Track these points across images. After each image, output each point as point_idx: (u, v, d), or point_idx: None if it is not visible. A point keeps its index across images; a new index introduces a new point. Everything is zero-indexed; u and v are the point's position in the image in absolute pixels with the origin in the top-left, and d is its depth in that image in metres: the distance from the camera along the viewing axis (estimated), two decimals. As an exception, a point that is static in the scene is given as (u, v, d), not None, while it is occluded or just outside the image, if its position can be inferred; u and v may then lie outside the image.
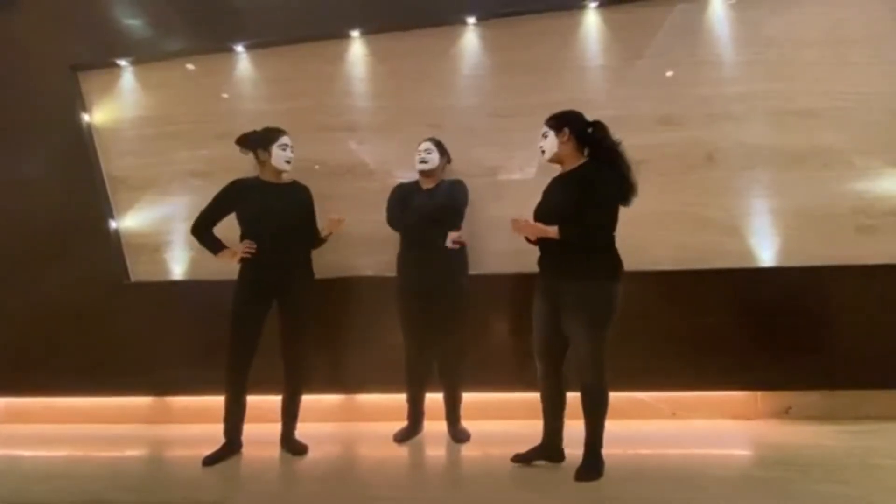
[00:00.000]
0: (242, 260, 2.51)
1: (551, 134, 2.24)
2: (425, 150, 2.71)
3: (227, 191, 2.58)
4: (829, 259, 2.75)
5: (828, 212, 2.81)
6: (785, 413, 2.79)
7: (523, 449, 2.27)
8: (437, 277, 2.60)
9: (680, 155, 2.92)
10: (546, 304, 2.17)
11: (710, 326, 2.76)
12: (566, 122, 2.23)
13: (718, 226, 2.88)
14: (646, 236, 2.90)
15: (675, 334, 2.74)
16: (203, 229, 2.58)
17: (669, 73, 2.96)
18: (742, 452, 2.44)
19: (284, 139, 2.56)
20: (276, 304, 2.55)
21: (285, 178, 2.64)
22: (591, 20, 3.01)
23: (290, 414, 2.56)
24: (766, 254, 2.84)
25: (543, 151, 2.27)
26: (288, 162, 2.57)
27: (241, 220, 2.56)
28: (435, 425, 2.73)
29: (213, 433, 2.48)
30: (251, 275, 2.51)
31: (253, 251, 2.47)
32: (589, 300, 2.04)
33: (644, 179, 2.92)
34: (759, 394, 2.82)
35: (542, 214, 2.18)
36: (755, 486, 1.93)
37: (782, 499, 1.78)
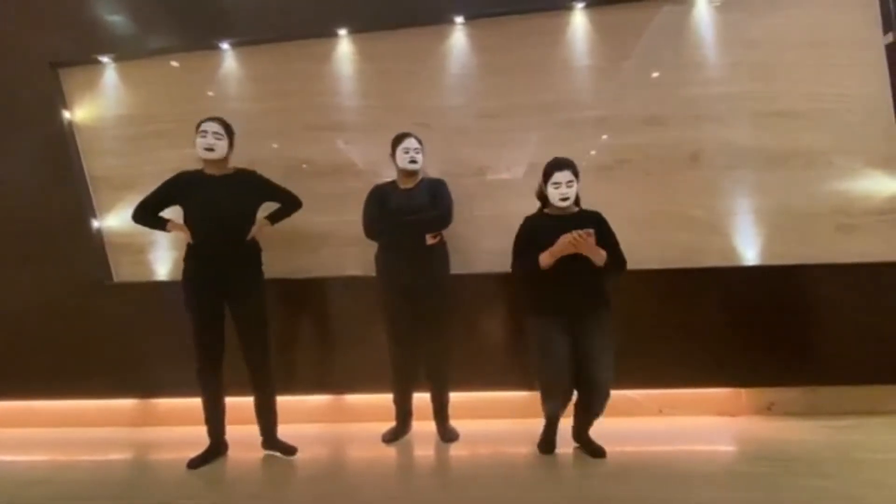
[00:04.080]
0: (188, 249, 2.46)
1: (575, 181, 2.34)
2: (414, 149, 2.65)
3: (169, 181, 2.53)
4: (810, 258, 2.81)
5: (809, 211, 2.86)
6: (768, 409, 2.84)
7: (512, 448, 2.29)
8: (419, 277, 2.57)
9: (665, 155, 2.96)
10: (567, 336, 2.26)
11: (695, 324, 2.80)
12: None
13: (703, 225, 2.92)
14: (631, 235, 2.91)
15: (661, 332, 2.77)
16: (142, 215, 2.53)
17: (655, 74, 2.99)
18: (727, 448, 2.47)
19: (204, 125, 2.47)
20: (227, 306, 2.48)
21: (229, 166, 2.55)
22: (579, 21, 3.03)
23: (266, 417, 2.51)
24: (750, 252, 2.88)
25: (567, 199, 2.33)
26: (208, 149, 2.45)
27: (185, 215, 2.50)
28: (423, 425, 2.73)
29: (200, 435, 2.45)
30: (193, 270, 2.45)
31: (191, 241, 2.43)
32: (608, 320, 2.31)
33: (630, 179, 2.98)
34: (743, 390, 2.86)
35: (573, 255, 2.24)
36: (740, 481, 1.96)
37: (766, 493, 1.81)
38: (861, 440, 2.35)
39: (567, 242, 2.17)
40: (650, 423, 2.72)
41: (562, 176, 2.30)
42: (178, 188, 2.50)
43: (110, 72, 3.26)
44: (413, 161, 2.63)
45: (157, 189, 2.53)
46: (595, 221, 2.33)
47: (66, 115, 3.24)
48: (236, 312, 2.47)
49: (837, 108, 2.88)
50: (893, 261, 2.77)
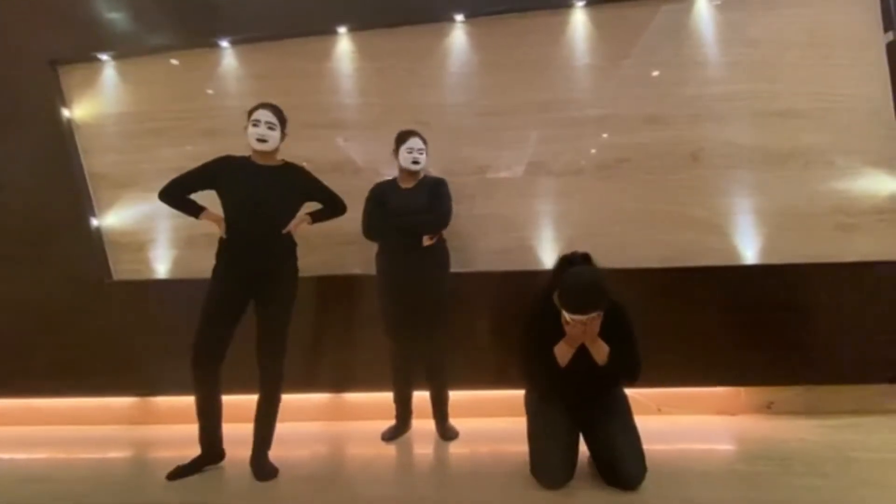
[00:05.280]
0: (220, 244, 2.29)
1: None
2: (418, 149, 2.62)
3: (213, 163, 2.34)
4: (810, 257, 2.81)
5: (809, 211, 2.86)
6: (767, 408, 2.84)
7: (512, 446, 2.29)
8: (417, 277, 2.56)
9: (665, 154, 2.96)
10: (570, 422, 2.01)
11: (694, 323, 2.80)
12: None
13: (703, 224, 2.92)
14: (631, 235, 2.93)
15: (660, 331, 2.76)
16: (175, 194, 2.33)
17: (655, 73, 2.99)
18: (726, 447, 2.48)
19: (257, 114, 2.31)
20: (255, 303, 2.31)
21: (278, 158, 2.40)
22: (579, 19, 3.03)
23: (264, 426, 2.28)
24: (750, 252, 2.88)
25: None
26: (260, 140, 2.29)
27: (222, 203, 2.33)
28: (423, 423, 2.73)
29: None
30: (225, 263, 2.28)
31: (226, 236, 2.26)
32: (624, 398, 2.11)
33: (630, 178, 2.98)
34: (742, 389, 2.86)
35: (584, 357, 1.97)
36: (738, 480, 1.97)
37: (764, 492, 1.82)
38: (859, 439, 2.35)
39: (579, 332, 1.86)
40: (649, 421, 2.71)
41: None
42: (221, 172, 2.31)
43: (110, 70, 3.26)
44: (416, 161, 2.61)
45: (197, 168, 2.34)
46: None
47: (66, 113, 3.23)
48: (264, 309, 2.29)
49: (837, 108, 2.88)
50: (892, 260, 2.77)
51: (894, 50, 2.87)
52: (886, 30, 2.89)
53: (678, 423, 2.75)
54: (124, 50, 3.20)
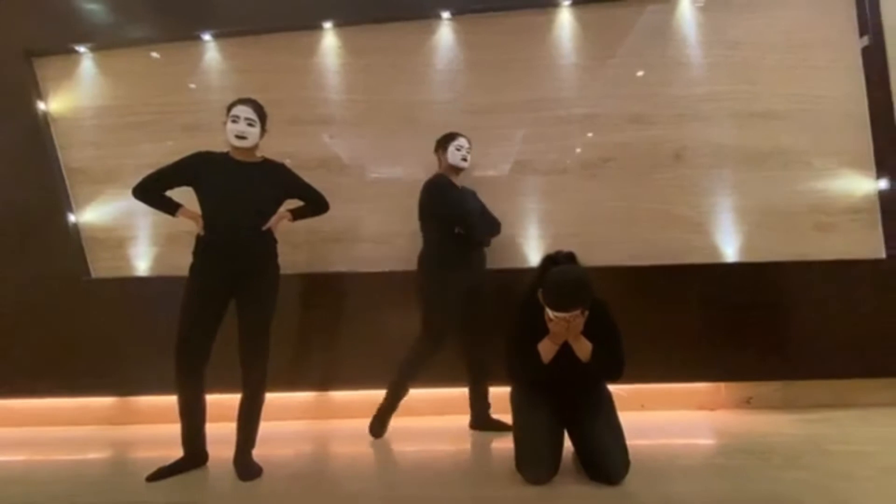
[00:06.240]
0: (198, 241, 2.23)
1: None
2: (466, 148, 2.68)
3: (190, 159, 2.28)
4: (789, 255, 2.87)
5: (788, 210, 2.93)
6: (746, 403, 2.90)
7: (496, 443, 2.29)
8: (484, 274, 2.68)
9: (649, 153, 2.99)
10: (555, 418, 2.02)
11: (677, 320, 2.84)
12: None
13: (685, 223, 2.97)
14: (615, 233, 2.96)
15: (643, 328, 2.79)
16: (150, 191, 2.27)
17: (640, 73, 3.02)
18: (707, 441, 2.52)
19: (235, 110, 2.26)
20: (236, 302, 2.25)
21: (258, 155, 2.35)
22: (565, 18, 3.05)
23: (248, 425, 2.24)
24: (730, 250, 2.94)
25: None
26: (239, 136, 2.23)
27: (200, 200, 2.27)
28: (407, 421, 2.73)
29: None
30: (203, 262, 2.22)
31: (204, 233, 2.21)
32: (608, 395, 2.11)
33: (614, 177, 3.01)
34: (722, 385, 2.92)
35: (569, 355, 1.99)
36: (718, 474, 2.01)
37: (742, 485, 1.86)
38: (833, 432, 2.42)
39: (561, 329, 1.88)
40: (633, 417, 2.75)
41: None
42: (198, 168, 2.25)
43: (87, 62, 3.18)
44: (464, 159, 2.67)
45: (173, 164, 2.28)
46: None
47: (42, 106, 3.15)
48: (245, 307, 2.24)
49: (815, 110, 2.95)
50: (867, 258, 2.85)
51: (869, 54, 2.94)
52: (862, 34, 2.97)
53: (661, 418, 2.79)
54: (103, 42, 3.13)
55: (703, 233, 2.95)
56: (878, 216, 2.90)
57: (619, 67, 3.03)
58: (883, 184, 2.90)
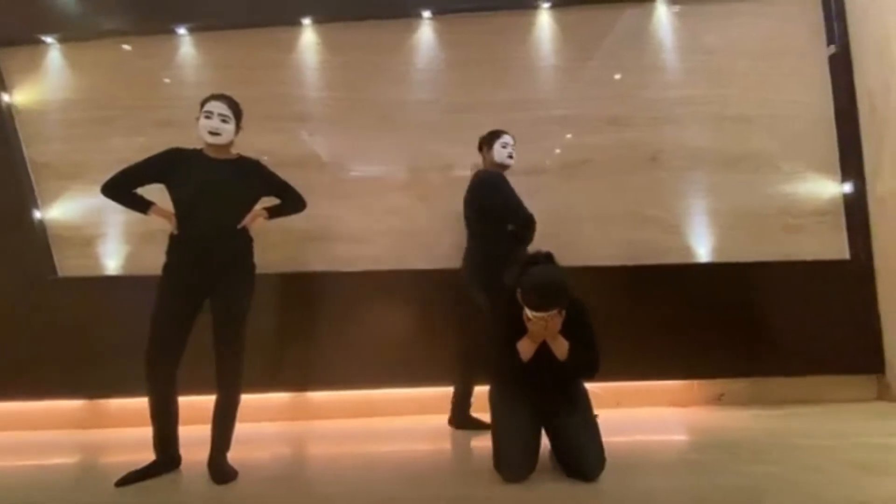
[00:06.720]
0: (172, 240, 2.18)
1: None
2: (512, 145, 2.65)
3: (162, 155, 2.22)
4: (759, 256, 2.96)
5: (758, 212, 3.01)
6: (718, 399, 2.98)
7: (475, 441, 2.30)
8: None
9: (626, 155, 3.05)
10: (533, 416, 2.01)
11: (651, 320, 2.90)
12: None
13: (661, 224, 3.03)
14: (593, 233, 3.01)
15: (619, 327, 2.84)
16: (120, 188, 2.20)
17: (618, 76, 3.07)
18: (680, 438, 2.58)
19: (209, 105, 2.21)
20: (210, 301, 2.20)
21: (233, 152, 2.29)
22: (545, 20, 3.07)
23: (223, 426, 2.19)
24: (703, 250, 3.01)
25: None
26: (213, 133, 2.18)
27: (172, 198, 2.21)
28: (387, 421, 2.72)
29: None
30: (177, 261, 2.17)
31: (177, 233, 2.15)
32: (585, 395, 2.11)
33: (592, 178, 3.05)
34: (695, 382, 2.99)
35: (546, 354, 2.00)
36: (691, 469, 2.05)
37: (714, 479, 1.90)
38: (799, 427, 2.50)
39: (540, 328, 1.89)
40: (609, 414, 2.79)
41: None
42: (171, 165, 2.19)
43: (55, 53, 3.08)
44: (510, 156, 2.64)
45: (144, 161, 2.21)
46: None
47: (6, 98, 3.04)
48: (219, 308, 2.19)
49: (784, 115, 3.04)
50: (831, 259, 2.96)
51: (836, 62, 3.05)
52: (829, 43, 3.07)
53: (636, 415, 2.84)
54: (72, 32, 3.04)
55: (678, 234, 3.02)
56: (843, 219, 3.01)
57: (597, 70, 3.07)
58: (847, 187, 3.01)
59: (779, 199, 3.01)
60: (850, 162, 3.00)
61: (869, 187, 2.96)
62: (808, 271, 2.92)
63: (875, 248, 2.93)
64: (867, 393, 2.92)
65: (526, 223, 2.54)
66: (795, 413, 2.72)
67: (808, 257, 2.95)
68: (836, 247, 2.99)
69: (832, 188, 3.02)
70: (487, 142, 2.68)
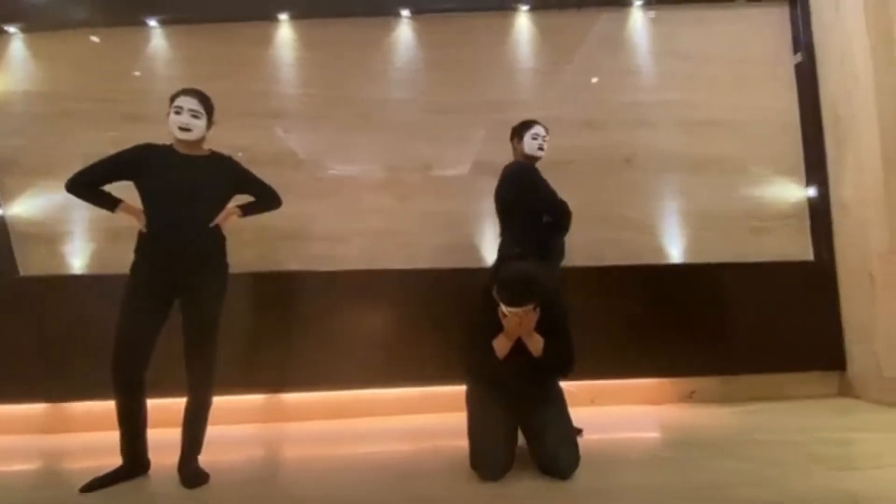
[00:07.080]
0: (140, 238, 2.13)
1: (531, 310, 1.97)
2: (543, 136, 2.53)
3: (130, 151, 2.15)
4: (727, 257, 3.04)
5: (727, 214, 3.10)
6: (689, 397, 3.05)
7: (451, 441, 2.31)
8: (560, 263, 2.56)
9: (601, 158, 3.10)
10: (508, 415, 2.04)
11: (625, 319, 2.95)
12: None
13: (635, 225, 3.09)
14: (570, 234, 3.03)
15: (594, 326, 2.89)
16: (86, 185, 2.13)
17: (594, 80, 3.12)
18: (652, 435, 2.63)
19: (179, 101, 2.15)
20: (179, 302, 2.13)
21: (205, 148, 2.23)
22: (523, 23, 3.10)
23: (194, 429, 2.14)
24: (675, 251, 3.08)
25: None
26: (183, 129, 2.12)
27: (142, 195, 2.14)
28: (364, 421, 2.70)
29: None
30: (145, 260, 2.11)
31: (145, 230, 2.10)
32: (559, 390, 2.15)
33: (569, 180, 3.07)
34: (667, 380, 3.06)
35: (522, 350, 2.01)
36: (662, 466, 2.10)
37: (684, 475, 1.95)
38: (766, 423, 2.58)
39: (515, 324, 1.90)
40: (583, 412, 2.83)
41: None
42: (140, 161, 2.12)
43: (17, 43, 2.96)
44: (541, 148, 2.53)
45: (112, 156, 2.14)
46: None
47: (-37, 88, 2.91)
48: (191, 307, 2.14)
49: (752, 120, 3.14)
50: (796, 260, 3.07)
51: (802, 70, 3.16)
52: (795, 51, 3.18)
53: (610, 413, 2.89)
54: (37, 22, 2.92)
55: (651, 234, 3.08)
56: (807, 222, 3.12)
57: (574, 73, 3.12)
58: (812, 191, 3.12)
59: (746, 202, 3.11)
60: (815, 167, 3.11)
61: (832, 192, 3.08)
62: (773, 272, 3.02)
63: (837, 249, 3.05)
64: (829, 389, 3.03)
65: (561, 212, 2.48)
66: (762, 409, 2.82)
67: (774, 258, 3.05)
68: (800, 248, 3.10)
69: (797, 192, 3.13)
70: (518, 133, 2.59)
